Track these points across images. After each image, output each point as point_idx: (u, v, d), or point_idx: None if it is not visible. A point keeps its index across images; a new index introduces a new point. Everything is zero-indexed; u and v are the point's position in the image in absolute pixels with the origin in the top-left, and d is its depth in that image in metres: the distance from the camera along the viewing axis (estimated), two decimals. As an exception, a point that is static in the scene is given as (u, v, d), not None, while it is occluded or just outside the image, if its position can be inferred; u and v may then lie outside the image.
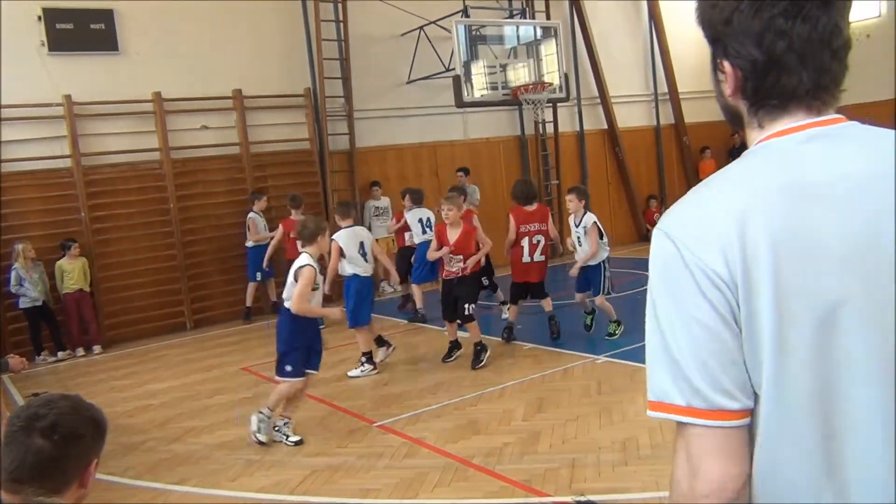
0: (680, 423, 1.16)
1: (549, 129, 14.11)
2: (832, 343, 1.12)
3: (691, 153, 16.21)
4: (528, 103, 11.41)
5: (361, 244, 7.18)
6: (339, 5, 11.73)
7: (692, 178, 16.23)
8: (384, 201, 11.85)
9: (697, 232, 1.16)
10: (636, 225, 15.42)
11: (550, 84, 11.45)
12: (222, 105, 10.89)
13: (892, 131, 1.25)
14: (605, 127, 15.04)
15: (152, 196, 10.46)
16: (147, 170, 10.45)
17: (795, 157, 1.20)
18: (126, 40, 10.33)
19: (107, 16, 10.17)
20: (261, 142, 11.16)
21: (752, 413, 1.15)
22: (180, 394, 7.15)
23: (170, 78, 10.49)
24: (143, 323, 10.18)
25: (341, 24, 11.76)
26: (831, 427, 1.14)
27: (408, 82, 12.34)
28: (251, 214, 10.43)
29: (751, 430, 1.16)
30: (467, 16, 11.36)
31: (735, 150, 16.61)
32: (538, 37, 11.99)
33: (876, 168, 1.18)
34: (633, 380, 6.20)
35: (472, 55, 11.22)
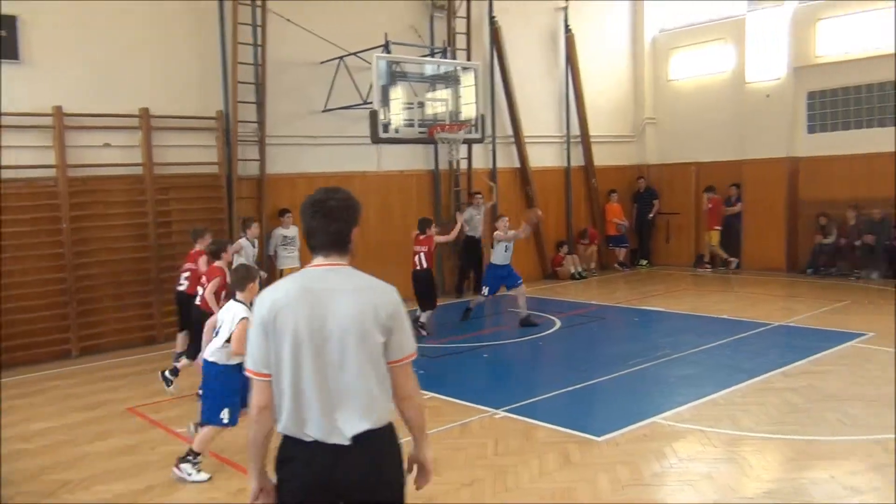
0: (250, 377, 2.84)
1: (463, 164, 14.23)
2: (301, 354, 2.75)
3: (599, 195, 16.66)
4: (443, 142, 11.46)
5: None
6: (259, 29, 11.51)
7: (598, 218, 16.71)
8: (293, 230, 11.64)
9: (261, 303, 2.82)
10: (542, 263, 15.69)
11: (466, 125, 11.54)
12: (128, 123, 10.47)
13: (360, 274, 2.88)
14: (518, 166, 15.28)
15: (44, 215, 9.90)
16: (41, 187, 9.90)
17: (316, 277, 2.84)
18: (29, 50, 9.78)
19: (9, 22, 9.61)
20: (166, 164, 10.78)
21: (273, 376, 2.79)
22: (59, 437, 6.75)
23: (73, 92, 10.03)
24: (24, 349, 9.59)
25: (259, 49, 11.54)
26: (299, 390, 2.75)
27: (323, 111, 12.20)
28: (242, 241, 10.06)
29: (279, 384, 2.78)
30: (388, 51, 11.35)
31: (639, 194, 17.22)
32: (457, 76, 12.08)
33: (345, 284, 2.82)
34: (528, 439, 6.25)
35: (391, 90, 11.19)
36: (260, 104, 11.61)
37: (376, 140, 10.72)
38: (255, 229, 10.26)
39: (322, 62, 12.08)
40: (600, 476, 5.42)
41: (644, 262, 17.15)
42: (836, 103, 14.88)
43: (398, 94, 11.43)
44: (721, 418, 6.61)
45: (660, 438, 6.16)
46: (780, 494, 5.02)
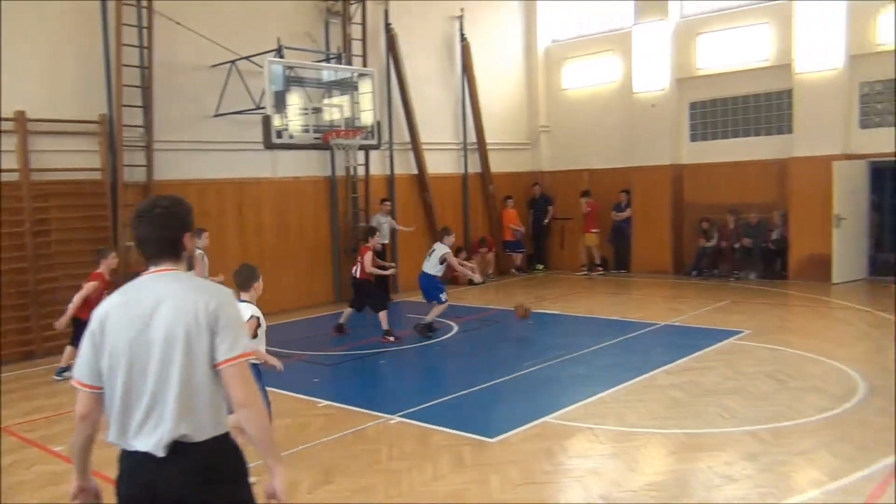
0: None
1: (360, 171, 14.18)
2: (125, 363, 2.70)
3: (496, 201, 16.95)
4: (339, 148, 11.40)
5: None
6: (145, 31, 11.12)
7: (495, 224, 16.99)
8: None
9: (93, 315, 2.81)
10: (442, 269, 15.79)
11: (362, 130, 11.52)
12: (2, 127, 9.89)
13: (189, 277, 2.89)
14: (416, 172, 15.36)
15: None
16: None
17: (143, 285, 2.81)
18: None
19: None
20: (45, 169, 10.24)
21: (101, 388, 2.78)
22: (-78, 461, 6.30)
23: (-62, 92, 9.40)
24: None
25: (145, 51, 11.14)
26: (123, 399, 2.70)
27: (215, 115, 11.90)
28: (197, 251, 9.35)
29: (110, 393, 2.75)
30: (282, 56, 11.20)
31: (534, 200, 17.61)
32: (354, 82, 12.05)
33: (171, 289, 2.76)
34: (423, 444, 6.28)
35: (285, 95, 11.05)
36: (146, 108, 11.21)
37: (269, 145, 10.57)
38: (205, 239, 9.57)
39: (213, 66, 11.79)
40: (492, 477, 5.50)
41: (540, 266, 17.55)
42: (715, 113, 15.71)
43: (293, 99, 11.31)
44: (608, 415, 6.84)
45: (551, 437, 6.31)
46: (660, 486, 5.23)
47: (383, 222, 13.79)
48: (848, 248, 13.86)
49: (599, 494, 5.15)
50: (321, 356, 9.80)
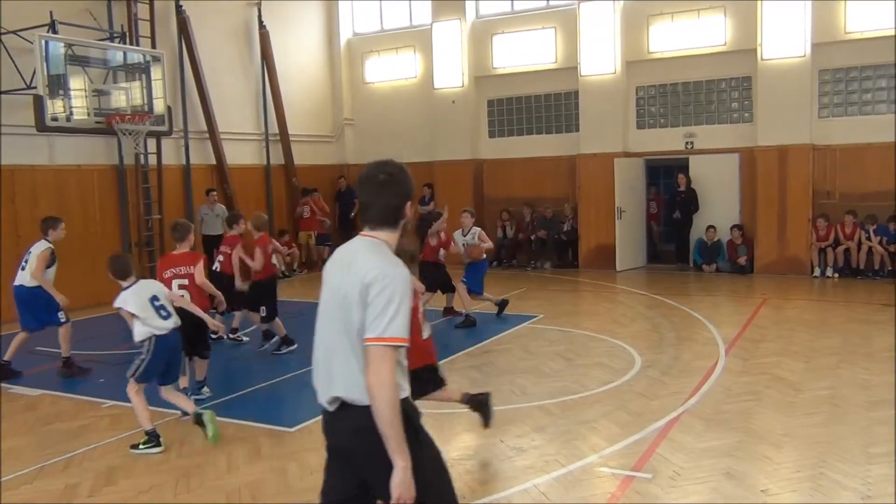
0: None
1: (153, 160, 13.35)
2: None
3: (300, 194, 16.65)
4: (125, 133, 10.64)
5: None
6: None
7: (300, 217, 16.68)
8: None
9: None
10: (244, 264, 15.26)
11: (150, 115, 10.85)
12: None
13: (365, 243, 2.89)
14: (214, 162, 14.71)
15: None
16: None
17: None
18: None
19: None
20: None
21: None
22: None
23: None
24: None
25: None
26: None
27: (-21, 95, 10.68)
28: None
29: None
30: (56, 31, 10.25)
31: (340, 193, 17.51)
32: (142, 64, 11.33)
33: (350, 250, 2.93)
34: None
35: (65, 77, 10.16)
36: None
37: (43, 128, 9.66)
38: (60, 231, 8.38)
39: (-25, 40, 10.58)
40: (289, 465, 5.38)
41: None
42: (511, 111, 16.45)
43: (73, 81, 10.43)
44: (409, 399, 6.91)
45: (351, 423, 6.27)
46: (454, 462, 5.37)
47: (207, 213, 13.27)
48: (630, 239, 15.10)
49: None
50: (107, 356, 9.12)
